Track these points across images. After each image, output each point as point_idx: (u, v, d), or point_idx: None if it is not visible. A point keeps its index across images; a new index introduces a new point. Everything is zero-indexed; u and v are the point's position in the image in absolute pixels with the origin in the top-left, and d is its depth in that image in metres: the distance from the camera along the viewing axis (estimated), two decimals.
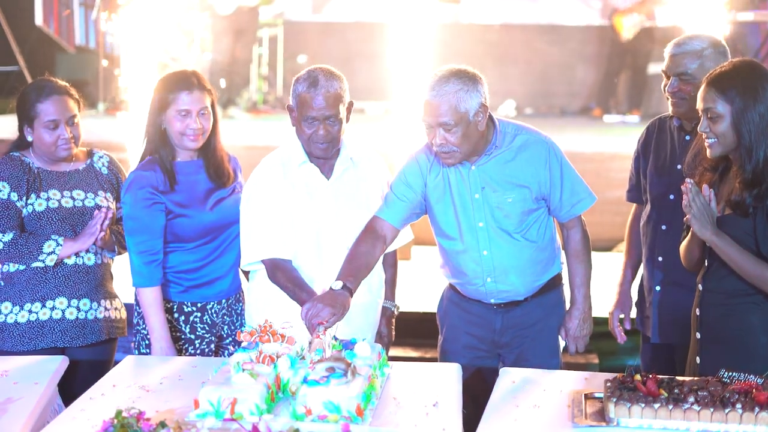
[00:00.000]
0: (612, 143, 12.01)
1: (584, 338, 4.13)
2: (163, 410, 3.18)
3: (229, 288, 4.20)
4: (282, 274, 3.92)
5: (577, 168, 4.03)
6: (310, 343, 3.46)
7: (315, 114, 3.85)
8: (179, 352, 4.08)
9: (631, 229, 4.48)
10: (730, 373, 3.18)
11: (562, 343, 4.19)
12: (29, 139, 4.18)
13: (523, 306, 4.09)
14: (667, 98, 4.13)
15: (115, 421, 2.87)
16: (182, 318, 4.14)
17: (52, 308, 4.17)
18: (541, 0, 16.56)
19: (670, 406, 3.03)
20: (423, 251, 7.26)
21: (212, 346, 4.17)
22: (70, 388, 3.87)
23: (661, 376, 3.22)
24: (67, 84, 4.26)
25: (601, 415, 3.14)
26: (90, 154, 4.38)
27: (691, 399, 3.04)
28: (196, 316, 4.15)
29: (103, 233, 4.12)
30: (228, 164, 4.21)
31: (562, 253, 4.16)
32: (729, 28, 9.83)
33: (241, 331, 3.51)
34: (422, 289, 6.39)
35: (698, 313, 3.66)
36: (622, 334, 4.42)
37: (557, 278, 4.17)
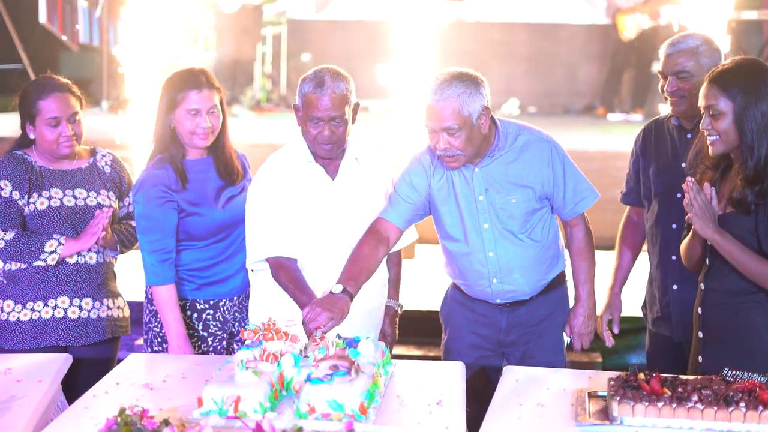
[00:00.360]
0: (615, 142, 11.99)
1: (589, 335, 4.13)
2: (167, 408, 3.18)
3: (240, 285, 4.21)
4: (285, 273, 3.91)
5: (580, 167, 4.03)
6: (306, 347, 3.46)
7: (320, 115, 3.85)
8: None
9: (624, 232, 4.47)
10: (734, 372, 3.17)
11: (566, 340, 4.19)
12: (31, 136, 4.18)
13: (528, 305, 4.09)
14: (666, 98, 4.13)
15: (119, 419, 2.86)
16: (195, 315, 4.15)
17: (54, 307, 4.17)
18: None
19: (674, 405, 3.03)
20: (427, 250, 7.27)
21: (224, 343, 4.18)
22: (74, 386, 3.87)
23: (664, 375, 3.22)
24: (69, 81, 4.26)
25: (605, 414, 3.14)
26: (93, 152, 4.38)
27: (695, 398, 3.04)
28: (208, 314, 4.16)
29: (104, 233, 4.12)
30: (237, 161, 4.21)
31: (566, 250, 4.15)
32: (732, 26, 9.84)
33: (245, 329, 3.51)
34: (426, 287, 6.39)
35: (700, 312, 3.66)
36: (611, 337, 4.41)
37: (561, 276, 4.17)
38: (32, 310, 4.15)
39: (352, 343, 3.46)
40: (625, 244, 4.46)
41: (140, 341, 6.14)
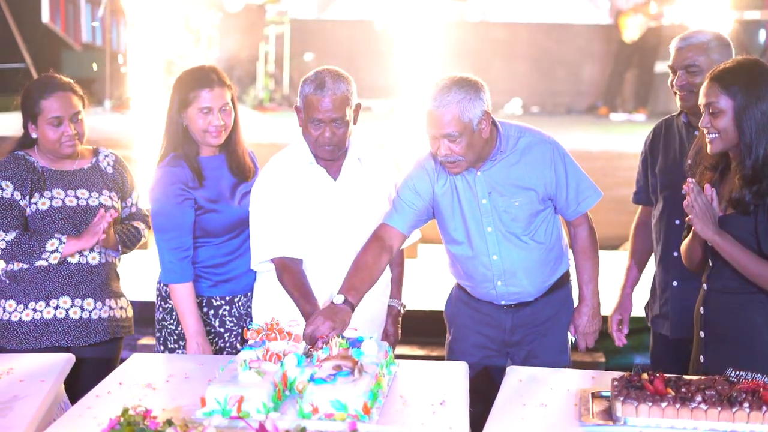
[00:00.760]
0: (618, 141, 12.01)
1: (594, 334, 4.12)
2: (170, 408, 3.17)
3: (254, 281, 4.21)
4: (289, 277, 3.91)
5: (583, 166, 4.02)
6: (306, 354, 3.45)
7: (321, 116, 3.85)
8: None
9: (636, 231, 4.47)
10: (738, 372, 3.17)
11: (571, 339, 4.18)
12: (33, 136, 4.17)
13: (532, 305, 4.08)
14: (675, 93, 4.13)
15: (122, 419, 2.86)
16: (212, 312, 4.15)
17: (56, 307, 4.16)
18: None
19: (678, 405, 3.02)
20: (430, 249, 7.27)
21: (240, 338, 4.18)
22: (76, 386, 3.86)
23: (668, 375, 3.22)
24: (71, 80, 4.25)
25: (608, 414, 3.13)
26: (95, 152, 4.37)
27: (699, 398, 3.03)
28: (224, 310, 4.17)
29: (104, 236, 4.11)
30: (249, 158, 4.22)
31: (570, 249, 4.15)
32: (735, 26, 9.83)
33: (248, 329, 3.51)
34: (429, 287, 6.38)
35: (702, 312, 3.66)
36: (622, 337, 4.40)
37: (566, 275, 4.17)
38: (34, 310, 4.14)
39: (356, 343, 3.45)
40: (637, 244, 4.46)
41: (143, 341, 6.16)
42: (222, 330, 4.16)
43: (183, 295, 4.04)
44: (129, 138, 9.54)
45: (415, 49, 9.41)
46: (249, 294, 4.21)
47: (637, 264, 4.46)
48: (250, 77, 14.30)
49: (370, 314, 4.05)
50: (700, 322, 3.68)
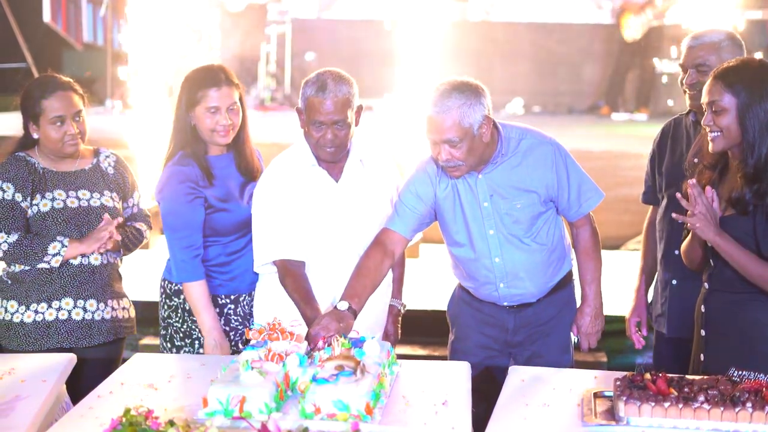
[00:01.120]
0: (620, 141, 12.01)
1: (596, 334, 4.12)
2: (172, 408, 3.16)
3: (257, 280, 4.20)
4: (291, 280, 3.90)
5: (584, 166, 4.02)
6: (307, 354, 3.45)
7: (323, 119, 3.84)
8: None
9: (647, 232, 4.47)
10: (740, 372, 3.16)
11: (573, 340, 4.18)
12: (35, 136, 4.16)
13: (535, 306, 4.08)
14: (684, 91, 4.12)
15: (124, 419, 2.85)
16: (217, 310, 4.13)
17: (59, 309, 4.15)
18: None
19: (680, 405, 3.01)
20: (431, 249, 7.27)
21: (244, 337, 4.17)
22: (78, 387, 3.85)
23: (670, 375, 3.21)
24: (71, 80, 4.25)
25: (611, 414, 3.12)
26: (96, 153, 4.36)
27: (701, 398, 3.03)
28: (230, 309, 4.17)
29: (110, 245, 4.11)
30: (256, 157, 4.23)
31: (572, 250, 4.15)
32: (737, 26, 9.83)
33: (250, 329, 3.50)
34: (430, 287, 6.38)
35: (703, 311, 3.66)
36: (641, 339, 4.40)
37: (568, 276, 4.16)
38: (36, 311, 4.13)
39: (358, 343, 3.45)
40: (649, 245, 4.45)
41: (145, 341, 6.16)
42: (227, 329, 4.15)
43: (198, 293, 4.04)
44: (130, 137, 9.53)
45: (416, 49, 9.42)
46: (253, 293, 4.21)
47: (650, 264, 4.45)
48: (252, 77, 14.31)
49: (372, 315, 4.05)
50: (700, 320, 3.68)
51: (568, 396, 3.35)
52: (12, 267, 4.14)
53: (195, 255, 4.04)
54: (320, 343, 3.47)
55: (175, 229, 4.05)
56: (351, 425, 2.91)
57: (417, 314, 5.25)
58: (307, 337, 3.55)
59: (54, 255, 4.07)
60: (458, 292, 4.26)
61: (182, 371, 3.60)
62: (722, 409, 2.99)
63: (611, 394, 3.24)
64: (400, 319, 4.35)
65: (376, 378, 3.20)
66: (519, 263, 3.97)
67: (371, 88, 11.56)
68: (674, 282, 4.24)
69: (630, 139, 11.78)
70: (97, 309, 4.21)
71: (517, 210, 3.90)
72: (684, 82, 4.10)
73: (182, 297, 4.12)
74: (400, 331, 4.35)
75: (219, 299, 4.15)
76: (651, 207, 4.47)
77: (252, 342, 3.45)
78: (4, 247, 4.05)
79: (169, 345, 4.19)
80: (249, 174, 4.17)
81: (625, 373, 3.27)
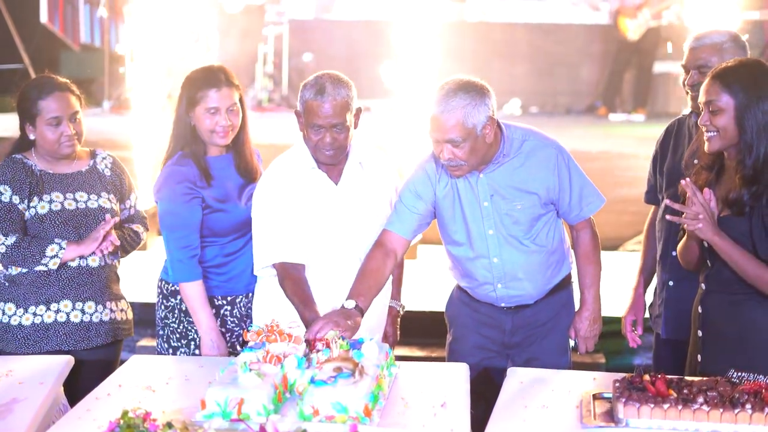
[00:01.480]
0: (617, 142, 12.00)
1: (594, 338, 4.12)
2: (170, 410, 3.16)
3: (254, 282, 4.20)
4: (290, 283, 3.89)
5: (582, 167, 4.01)
6: (305, 356, 3.44)
7: (321, 122, 3.83)
8: None
9: (648, 232, 4.46)
10: (740, 374, 3.17)
11: (571, 343, 4.18)
12: (31, 137, 4.15)
13: (533, 307, 4.08)
14: (687, 92, 4.12)
15: (122, 421, 2.85)
16: (213, 312, 4.13)
17: (57, 311, 4.14)
18: None
19: (680, 407, 3.01)
20: (429, 250, 7.26)
21: (241, 339, 4.17)
22: (76, 389, 3.85)
23: (669, 377, 3.21)
24: (68, 80, 4.24)
25: (610, 416, 3.12)
26: (92, 154, 4.35)
27: (701, 399, 3.03)
28: (226, 310, 4.17)
29: (109, 248, 4.10)
30: (255, 159, 4.23)
31: (572, 252, 4.14)
32: (735, 26, 9.82)
33: (248, 331, 3.50)
34: (429, 288, 6.37)
35: (700, 311, 3.66)
36: (637, 338, 4.40)
37: (567, 278, 4.16)
38: (34, 314, 4.12)
39: (356, 344, 3.45)
40: (649, 245, 4.45)
41: (143, 342, 6.14)
42: (223, 330, 4.15)
43: (194, 294, 4.04)
44: (128, 139, 9.53)
45: (414, 50, 9.41)
46: (250, 295, 4.21)
47: (649, 264, 4.45)
48: (249, 78, 14.29)
49: (373, 316, 4.05)
50: (698, 321, 3.69)
51: (567, 397, 3.35)
52: (9, 270, 4.13)
53: (192, 255, 4.04)
54: (319, 345, 3.47)
55: (172, 228, 4.04)
56: (349, 427, 2.91)
57: (415, 315, 5.24)
58: (309, 334, 3.54)
59: (52, 257, 4.06)
60: (456, 293, 4.25)
61: (180, 373, 3.60)
62: (721, 410, 2.99)
63: (610, 395, 3.24)
64: (398, 320, 4.35)
65: (375, 380, 3.19)
66: (517, 264, 3.96)
67: (368, 89, 11.56)
68: (671, 284, 4.24)
69: (627, 140, 11.77)
70: (95, 311, 4.20)
71: (517, 211, 3.89)
72: (686, 83, 4.10)
73: (179, 298, 4.12)
74: (398, 333, 4.35)
75: (215, 300, 4.15)
76: (652, 207, 4.46)
77: (250, 344, 3.45)
78: (2, 249, 4.04)
79: (165, 346, 4.19)
80: (248, 175, 4.16)
81: (624, 374, 3.27)
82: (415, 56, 9.39)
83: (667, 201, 3.50)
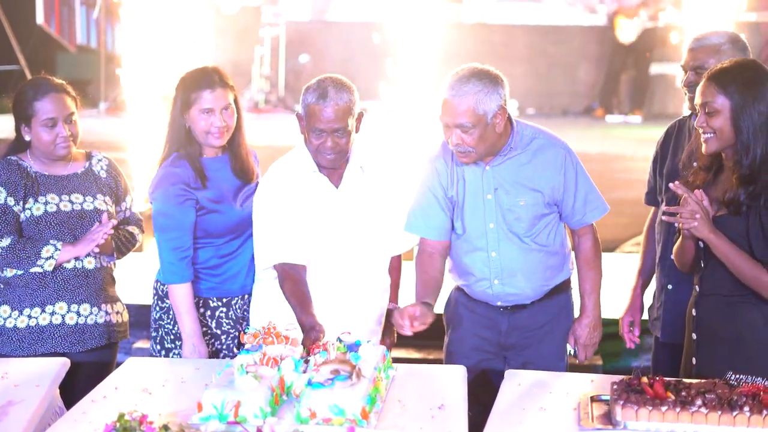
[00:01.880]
0: (614, 144, 12.00)
1: (594, 346, 4.14)
2: (166, 413, 3.15)
3: (250, 283, 4.20)
4: (290, 285, 3.88)
5: None
6: (302, 357, 3.43)
7: (323, 126, 3.82)
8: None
9: (647, 233, 4.46)
10: (738, 376, 3.16)
11: (570, 350, 4.17)
12: (27, 138, 4.14)
13: (529, 308, 4.08)
14: (685, 93, 4.12)
15: (118, 424, 2.84)
16: (209, 313, 4.14)
17: (52, 313, 4.13)
18: (545, 0, 16.59)
19: (678, 409, 3.00)
20: None
21: (236, 340, 4.16)
22: (72, 391, 3.84)
23: (667, 379, 3.20)
24: (64, 82, 4.23)
25: (608, 418, 3.12)
26: (88, 156, 4.34)
27: (699, 402, 3.02)
28: (221, 311, 4.16)
29: (102, 241, 4.09)
30: (252, 160, 4.22)
31: (572, 258, 4.14)
32: (731, 28, 9.82)
33: (245, 333, 3.49)
34: None
35: (694, 314, 3.67)
36: (634, 338, 4.40)
37: (566, 283, 4.16)
38: (29, 316, 4.11)
39: (354, 347, 3.44)
40: (648, 246, 4.45)
41: (138, 344, 6.13)
42: (218, 332, 4.14)
43: (181, 296, 4.02)
44: (124, 140, 9.51)
45: (411, 51, 9.40)
46: (246, 296, 4.20)
47: (648, 266, 4.45)
48: (245, 79, 14.29)
49: (371, 319, 4.05)
50: (692, 324, 3.69)
51: (565, 400, 3.34)
52: (4, 272, 4.11)
53: (183, 257, 4.02)
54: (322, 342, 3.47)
55: (164, 230, 4.04)
56: (347, 430, 2.90)
57: None
58: (388, 317, 3.66)
59: (47, 259, 4.04)
60: (454, 295, 4.25)
61: (176, 375, 3.59)
62: (720, 413, 2.98)
63: (608, 398, 3.23)
64: None
65: (372, 382, 3.19)
66: (515, 261, 3.97)
67: (365, 91, 11.56)
68: (669, 287, 4.24)
69: (624, 142, 11.79)
70: (91, 313, 4.19)
71: (519, 207, 3.90)
72: (683, 84, 4.10)
73: None
74: (396, 335, 4.34)
75: (210, 302, 4.14)
76: (652, 208, 4.46)
77: (247, 346, 3.44)
78: None
79: (159, 347, 4.18)
80: (244, 176, 4.15)
81: (622, 376, 3.27)
82: (412, 58, 9.38)
83: (664, 207, 3.50)
